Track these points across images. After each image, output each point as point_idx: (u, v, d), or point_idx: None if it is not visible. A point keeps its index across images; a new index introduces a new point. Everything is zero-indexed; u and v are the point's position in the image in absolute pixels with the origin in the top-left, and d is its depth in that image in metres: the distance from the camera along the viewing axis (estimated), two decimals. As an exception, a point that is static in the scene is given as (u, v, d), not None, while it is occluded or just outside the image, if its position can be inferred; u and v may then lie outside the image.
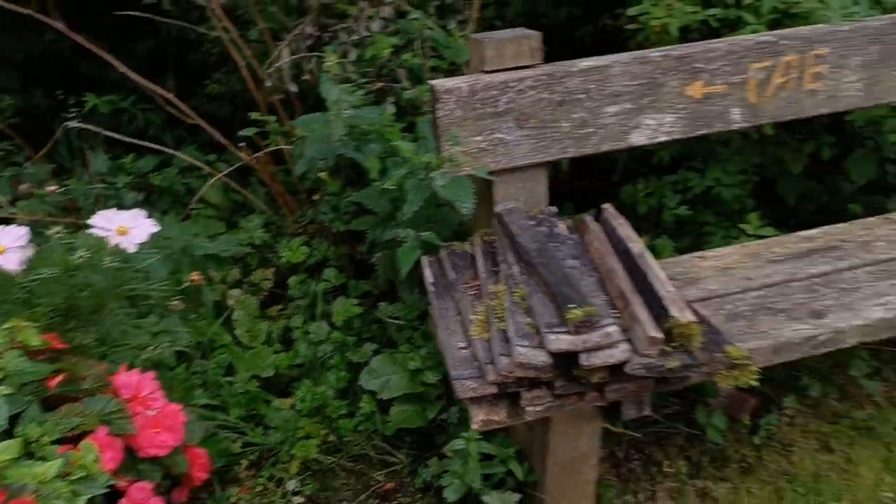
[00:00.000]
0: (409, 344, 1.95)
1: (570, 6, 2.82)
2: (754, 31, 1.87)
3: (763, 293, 1.65)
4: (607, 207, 1.65)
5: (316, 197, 2.35)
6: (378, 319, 2.09)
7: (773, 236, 1.99)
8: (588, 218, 1.64)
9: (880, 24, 1.73)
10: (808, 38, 1.70)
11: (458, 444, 1.67)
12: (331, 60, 1.63)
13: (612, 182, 2.87)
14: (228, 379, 1.98)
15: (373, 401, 1.89)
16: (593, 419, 1.56)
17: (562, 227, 1.59)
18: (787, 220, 2.51)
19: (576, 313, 1.26)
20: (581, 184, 3.10)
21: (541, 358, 1.26)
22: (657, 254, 2.32)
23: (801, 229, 1.95)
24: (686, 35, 2.09)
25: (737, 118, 1.73)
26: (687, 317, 1.29)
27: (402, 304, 2.00)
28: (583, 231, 1.62)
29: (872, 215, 2.02)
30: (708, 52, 1.65)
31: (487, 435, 1.73)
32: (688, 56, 1.65)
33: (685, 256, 1.84)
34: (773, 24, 1.96)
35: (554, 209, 1.66)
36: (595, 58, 1.63)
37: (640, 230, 2.64)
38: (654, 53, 1.63)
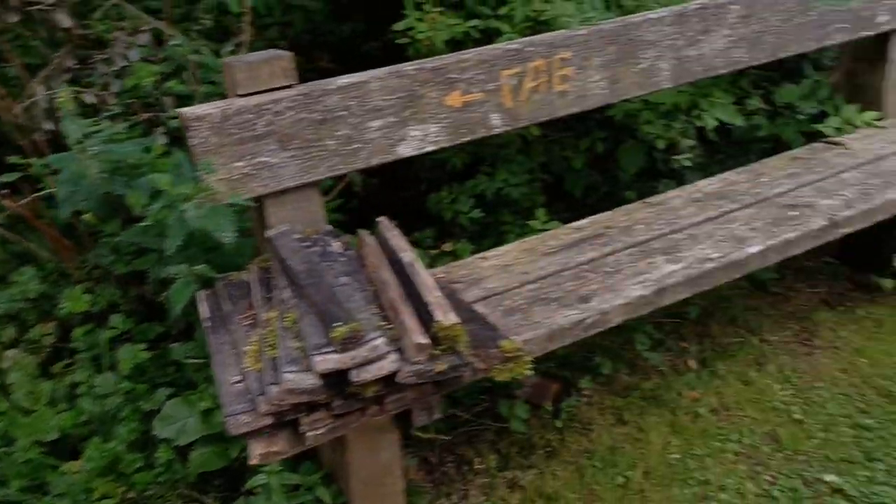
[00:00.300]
0: (208, 383, 1.87)
1: (353, 22, 2.85)
2: (511, 40, 1.97)
3: (538, 285, 1.75)
4: (382, 220, 1.67)
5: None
6: (176, 361, 1.98)
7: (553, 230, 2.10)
8: (364, 232, 1.65)
9: (613, 27, 1.88)
10: (552, 43, 1.82)
11: (259, 479, 1.62)
12: (63, 97, 1.53)
13: (421, 191, 2.93)
14: (6, 449, 1.80)
15: (170, 448, 1.79)
16: (389, 431, 1.56)
17: (336, 245, 1.58)
18: (579, 212, 2.69)
19: (340, 331, 1.26)
20: (393, 195, 3.14)
21: (310, 381, 1.25)
22: (458, 257, 2.40)
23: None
24: (459, 47, 2.17)
25: (497, 123, 1.81)
26: (451, 320, 1.33)
27: (196, 341, 1.91)
28: (360, 246, 1.63)
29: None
30: (460, 62, 1.72)
31: (293, 463, 1.69)
32: (442, 67, 1.71)
33: (470, 258, 1.91)
34: (530, 32, 2.09)
35: (329, 228, 1.66)
36: (351, 75, 1.64)
37: (448, 235, 2.74)
38: (408, 67, 1.68)
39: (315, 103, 1.59)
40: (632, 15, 1.93)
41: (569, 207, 2.85)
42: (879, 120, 2.40)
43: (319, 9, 2.74)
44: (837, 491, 1.80)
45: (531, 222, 2.36)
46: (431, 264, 2.22)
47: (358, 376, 1.25)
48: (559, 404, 2.09)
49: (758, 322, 2.36)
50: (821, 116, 2.49)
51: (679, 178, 2.69)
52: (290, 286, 1.45)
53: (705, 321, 2.38)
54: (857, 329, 2.29)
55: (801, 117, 2.59)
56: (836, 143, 2.28)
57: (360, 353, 1.25)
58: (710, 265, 1.77)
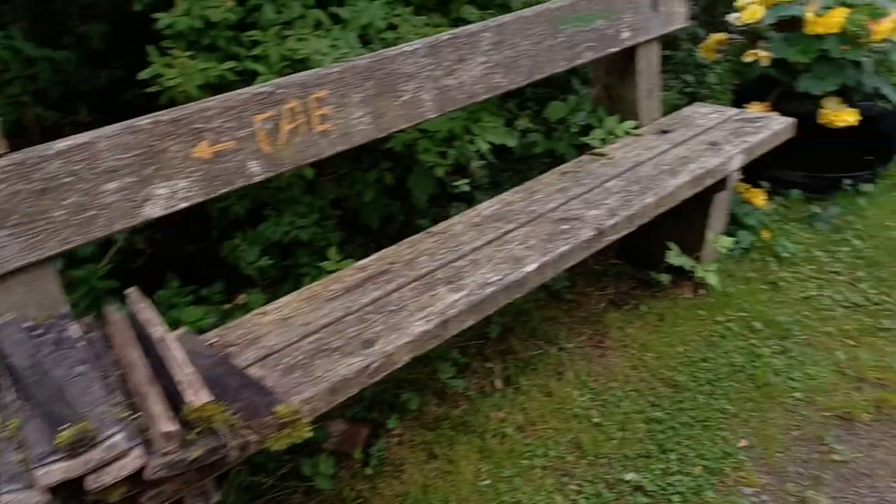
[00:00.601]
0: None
1: (111, 69, 2.64)
2: (265, 82, 1.89)
3: (319, 336, 1.66)
4: (131, 292, 1.51)
5: None
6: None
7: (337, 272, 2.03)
8: (111, 309, 1.48)
9: (368, 62, 1.86)
10: (305, 83, 1.76)
11: None
12: None
13: (213, 241, 2.76)
14: None
15: None
16: (164, 525, 1.40)
17: (74, 329, 1.40)
18: (380, 244, 2.65)
19: (65, 434, 1.10)
20: (190, 247, 2.93)
21: (35, 499, 1.08)
22: (249, 309, 2.26)
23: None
24: (221, 90, 2.05)
25: (257, 170, 1.72)
26: (202, 399, 1.21)
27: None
28: (106, 325, 1.46)
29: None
30: (203, 111, 1.61)
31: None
32: (182, 118, 1.58)
33: (247, 316, 1.79)
34: (290, 72, 2.01)
35: (66, 310, 1.48)
36: (75, 136, 1.48)
37: (247, 285, 2.59)
38: (142, 121, 1.54)
39: (32, 172, 1.41)
40: (385, 49, 1.92)
41: (372, 240, 2.80)
42: (636, 128, 2.57)
43: (68, 58, 2.50)
44: (638, 488, 1.87)
45: (323, 263, 2.28)
46: (221, 322, 2.08)
47: (96, 481, 1.10)
48: (369, 449, 2.02)
49: (555, 331, 2.43)
50: (589, 129, 2.63)
51: (470, 201, 2.73)
52: (14, 386, 1.26)
53: (507, 338, 2.42)
54: (641, 325, 2.43)
55: (573, 131, 2.74)
56: (600, 154, 2.42)
57: (94, 455, 1.10)
58: (490, 289, 1.78)
